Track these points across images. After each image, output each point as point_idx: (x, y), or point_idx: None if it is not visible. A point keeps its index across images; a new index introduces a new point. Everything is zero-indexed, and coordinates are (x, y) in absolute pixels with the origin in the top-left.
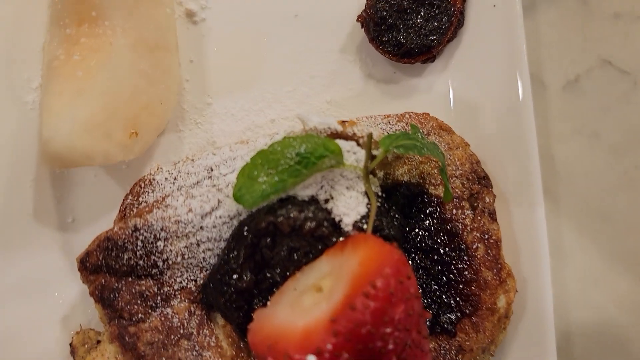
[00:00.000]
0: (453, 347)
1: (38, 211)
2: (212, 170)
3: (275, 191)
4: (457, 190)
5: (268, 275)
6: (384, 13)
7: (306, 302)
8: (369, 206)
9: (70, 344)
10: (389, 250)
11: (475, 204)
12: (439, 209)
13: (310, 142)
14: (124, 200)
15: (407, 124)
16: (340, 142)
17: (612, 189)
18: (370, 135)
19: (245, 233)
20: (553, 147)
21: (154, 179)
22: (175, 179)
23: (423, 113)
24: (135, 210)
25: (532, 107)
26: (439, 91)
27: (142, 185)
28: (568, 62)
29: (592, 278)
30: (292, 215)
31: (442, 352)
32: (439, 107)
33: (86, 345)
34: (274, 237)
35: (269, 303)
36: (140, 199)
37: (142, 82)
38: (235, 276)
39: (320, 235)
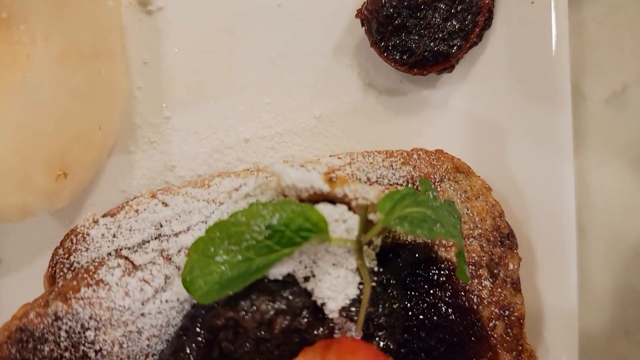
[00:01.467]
0: None
1: None
2: (161, 226)
3: (237, 277)
4: (474, 255)
5: None
6: (391, 10)
7: None
8: (360, 287)
9: None
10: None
11: (496, 271)
12: (450, 278)
13: (285, 210)
14: (53, 253)
15: (414, 167)
16: (327, 208)
17: None
18: (365, 208)
19: (198, 329)
20: (589, 174)
21: (88, 234)
22: (114, 236)
23: (436, 151)
24: (64, 273)
25: (572, 133)
26: (456, 108)
27: (74, 241)
28: (614, 68)
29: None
30: (259, 308)
31: None
32: (453, 128)
33: None
34: (235, 329)
35: None
36: (72, 258)
37: (73, 104)
38: None
39: (296, 328)
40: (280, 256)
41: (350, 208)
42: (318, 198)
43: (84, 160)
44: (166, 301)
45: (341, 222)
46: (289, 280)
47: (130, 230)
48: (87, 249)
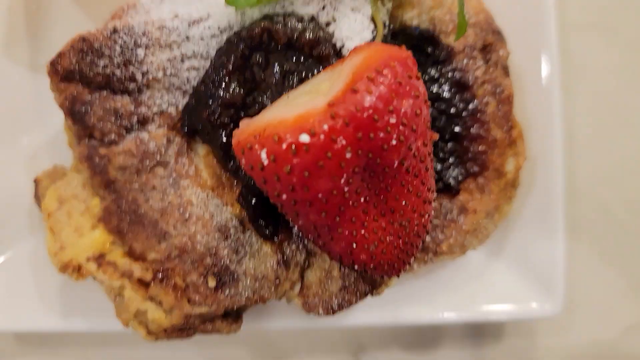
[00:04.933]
0: (455, 207)
1: (9, 47)
2: None
3: None
4: (469, 39)
5: (257, 99)
6: None
7: (301, 100)
8: (374, 33)
9: (35, 180)
10: (397, 49)
11: (489, 57)
12: (449, 58)
13: None
14: None
15: None
16: None
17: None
18: None
19: (237, 39)
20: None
21: (139, 2)
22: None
23: None
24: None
25: None
26: None
27: (126, 8)
28: None
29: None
30: (289, 24)
31: (443, 210)
32: None
33: (51, 178)
34: (267, 54)
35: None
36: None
37: None
38: (223, 86)
39: (319, 54)
40: None
41: None
42: None
43: None
44: (209, 27)
45: None
46: (314, 21)
47: None
48: (136, 14)
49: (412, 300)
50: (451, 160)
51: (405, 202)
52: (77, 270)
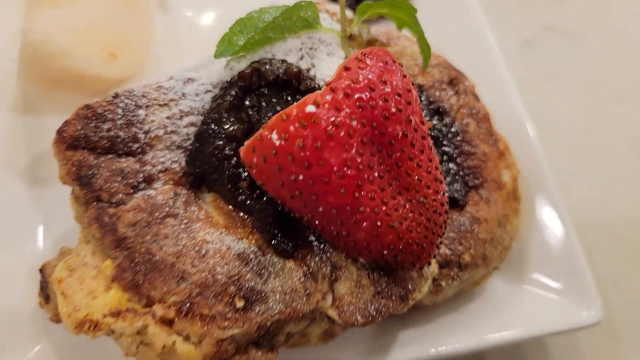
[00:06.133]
0: (466, 219)
1: (10, 162)
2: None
3: (255, 42)
4: (435, 76)
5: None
6: None
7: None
8: None
9: (41, 268)
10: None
11: (457, 88)
12: (422, 92)
13: (285, 8)
14: None
15: None
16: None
17: None
18: None
19: (229, 84)
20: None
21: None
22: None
23: None
24: None
25: None
26: None
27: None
28: None
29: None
30: (275, 64)
31: (456, 224)
32: None
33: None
34: (259, 97)
35: None
36: None
37: (120, 19)
38: (223, 121)
39: (307, 88)
40: (284, 29)
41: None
42: None
43: (127, 53)
44: (202, 84)
45: (327, 23)
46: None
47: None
48: None
49: (449, 330)
50: (450, 178)
51: (418, 178)
52: (94, 327)
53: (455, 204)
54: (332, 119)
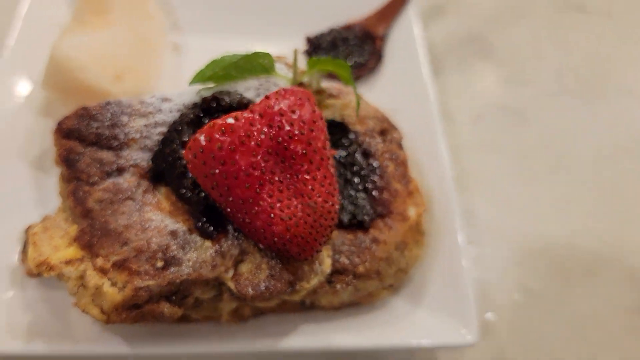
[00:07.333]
0: (368, 238)
1: (27, 153)
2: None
3: (219, 77)
4: (370, 126)
5: None
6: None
7: None
8: None
9: (26, 229)
10: (306, 91)
11: (385, 137)
12: (356, 138)
13: (246, 54)
14: None
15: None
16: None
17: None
18: (296, 51)
19: (195, 103)
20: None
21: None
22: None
23: None
24: None
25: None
26: None
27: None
28: None
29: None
30: (233, 96)
31: (358, 241)
32: None
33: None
34: (213, 117)
35: None
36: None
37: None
38: (181, 131)
39: None
40: (243, 70)
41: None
42: None
43: (130, 78)
44: (176, 104)
45: (285, 71)
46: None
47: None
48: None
49: (341, 329)
50: (363, 204)
51: (311, 188)
52: (50, 269)
53: (362, 226)
54: (246, 131)
